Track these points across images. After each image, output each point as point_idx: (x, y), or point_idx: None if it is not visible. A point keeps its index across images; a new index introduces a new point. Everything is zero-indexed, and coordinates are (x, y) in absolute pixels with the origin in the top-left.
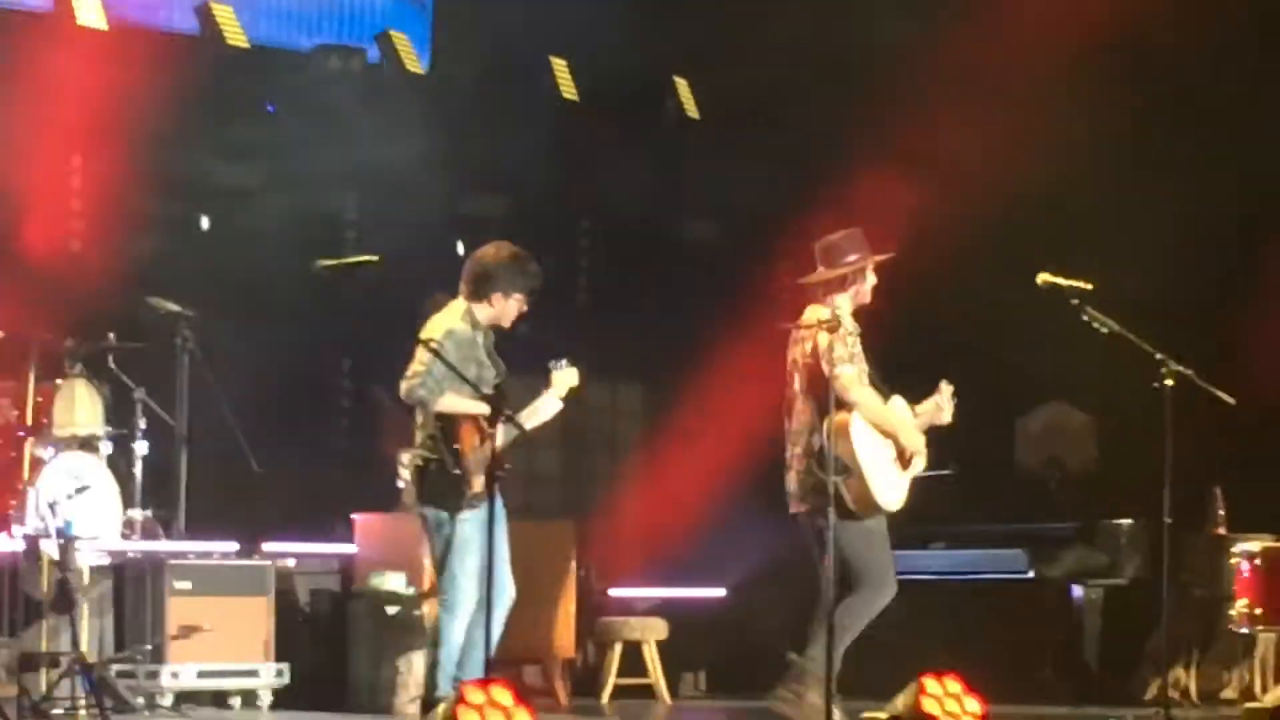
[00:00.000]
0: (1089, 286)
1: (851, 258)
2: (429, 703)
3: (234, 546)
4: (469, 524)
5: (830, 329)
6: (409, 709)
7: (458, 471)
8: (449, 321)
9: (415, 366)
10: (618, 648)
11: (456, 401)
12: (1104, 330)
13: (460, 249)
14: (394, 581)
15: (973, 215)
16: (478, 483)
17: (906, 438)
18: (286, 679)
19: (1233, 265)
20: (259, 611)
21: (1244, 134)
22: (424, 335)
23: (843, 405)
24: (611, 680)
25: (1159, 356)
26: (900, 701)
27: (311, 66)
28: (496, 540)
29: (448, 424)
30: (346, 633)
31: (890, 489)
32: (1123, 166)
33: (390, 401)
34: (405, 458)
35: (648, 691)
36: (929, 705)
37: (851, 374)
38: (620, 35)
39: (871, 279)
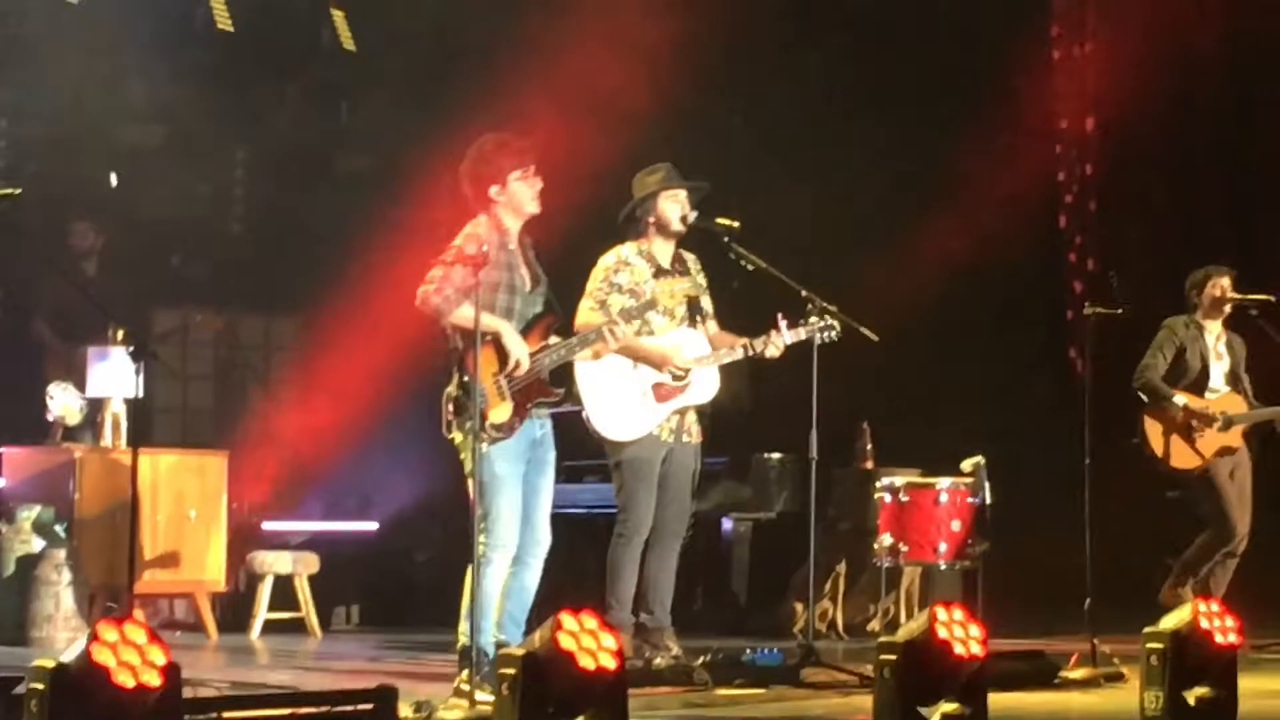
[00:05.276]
0: (736, 224)
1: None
2: (461, 653)
3: None
4: (496, 460)
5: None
6: (58, 643)
7: (462, 397)
8: (469, 225)
9: (431, 272)
10: (269, 581)
11: (471, 315)
12: (750, 267)
13: (114, 180)
14: (42, 515)
15: (630, 150)
16: (497, 412)
17: (640, 355)
18: None
19: (872, 206)
20: None
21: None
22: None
23: None
24: (262, 614)
25: (805, 293)
26: (537, 637)
27: None
28: (531, 479)
29: (463, 343)
30: None
31: (618, 418)
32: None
33: (49, 334)
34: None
35: (299, 625)
36: (565, 641)
37: (582, 307)
38: None
39: (675, 208)
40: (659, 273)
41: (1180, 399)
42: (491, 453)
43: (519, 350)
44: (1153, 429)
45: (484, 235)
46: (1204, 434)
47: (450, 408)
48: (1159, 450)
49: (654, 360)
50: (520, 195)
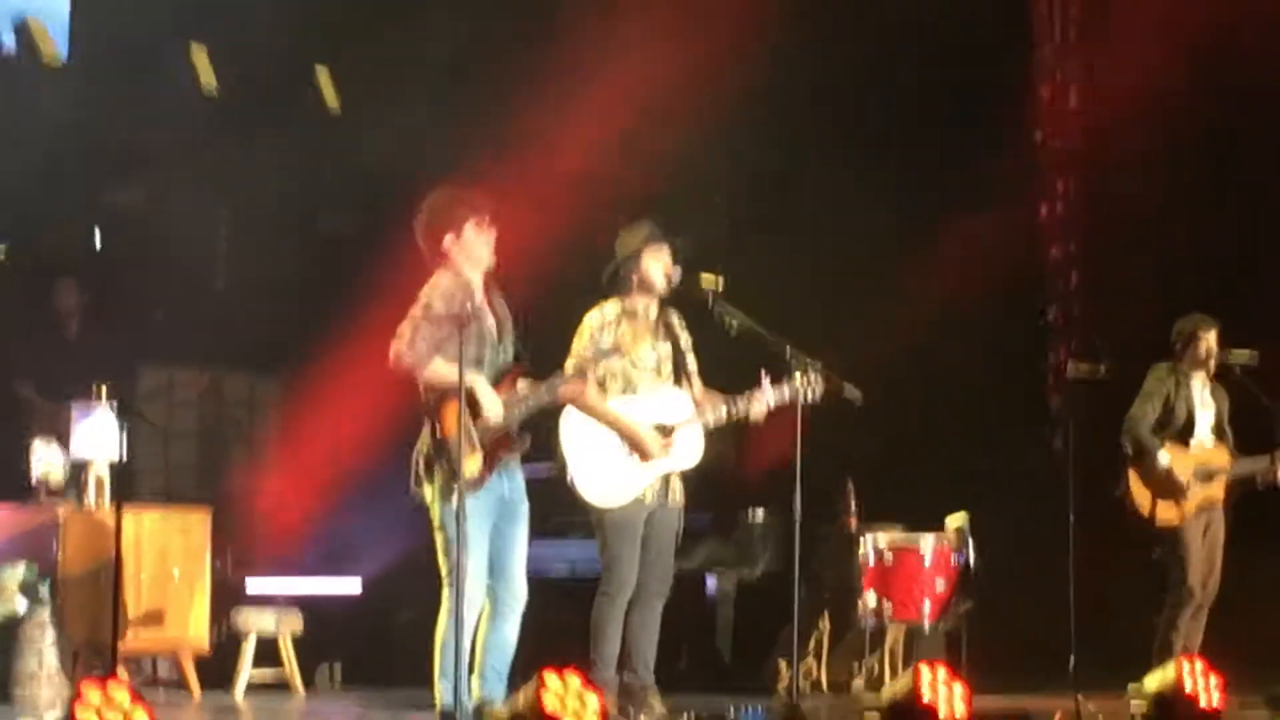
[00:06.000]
0: (719, 282)
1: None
2: (441, 714)
3: None
4: (466, 516)
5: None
6: (42, 701)
7: (432, 453)
8: (437, 278)
9: (400, 327)
10: (252, 640)
11: (445, 371)
12: (735, 323)
13: (98, 240)
14: (26, 574)
15: (611, 209)
16: (468, 464)
17: (622, 433)
18: None
19: (855, 261)
20: None
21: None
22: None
23: None
24: (245, 673)
25: (789, 351)
26: (521, 698)
27: None
28: (504, 530)
29: (435, 398)
30: None
31: (603, 483)
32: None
33: (34, 394)
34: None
35: (282, 683)
36: (550, 701)
37: (567, 367)
38: (262, 23)
39: (658, 266)
40: (641, 331)
41: (1165, 457)
42: (458, 508)
43: (493, 405)
44: (1136, 481)
45: (448, 288)
46: (1188, 488)
47: (421, 464)
48: (1143, 502)
49: (631, 442)
50: (474, 245)
